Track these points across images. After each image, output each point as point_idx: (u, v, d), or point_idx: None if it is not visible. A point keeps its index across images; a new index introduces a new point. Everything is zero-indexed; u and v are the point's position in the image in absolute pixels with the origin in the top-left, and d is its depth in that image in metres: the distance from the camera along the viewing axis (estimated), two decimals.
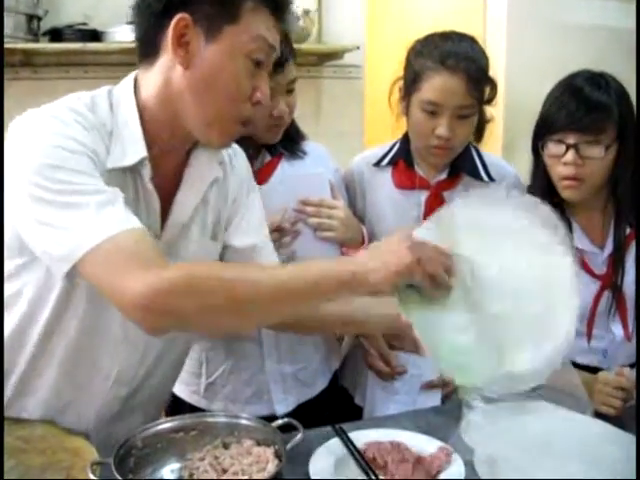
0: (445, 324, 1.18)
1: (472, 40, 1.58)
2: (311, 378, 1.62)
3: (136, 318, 0.99)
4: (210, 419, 1.20)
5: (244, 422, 1.18)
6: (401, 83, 1.62)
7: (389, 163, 1.68)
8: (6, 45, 2.55)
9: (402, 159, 1.67)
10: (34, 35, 2.66)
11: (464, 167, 1.64)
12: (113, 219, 1.00)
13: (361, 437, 1.24)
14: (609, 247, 1.53)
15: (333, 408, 1.65)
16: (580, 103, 1.46)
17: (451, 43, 1.54)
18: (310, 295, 1.08)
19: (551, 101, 1.52)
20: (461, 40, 1.55)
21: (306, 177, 1.56)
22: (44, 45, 2.63)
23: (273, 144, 1.56)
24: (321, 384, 1.65)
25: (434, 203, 1.62)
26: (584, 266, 1.53)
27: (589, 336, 1.54)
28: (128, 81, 1.17)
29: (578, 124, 1.44)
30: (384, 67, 3.89)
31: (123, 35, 2.61)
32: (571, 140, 1.45)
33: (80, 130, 1.06)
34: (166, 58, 1.11)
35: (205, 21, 1.08)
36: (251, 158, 1.52)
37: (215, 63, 1.09)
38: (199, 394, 1.59)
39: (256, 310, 1.05)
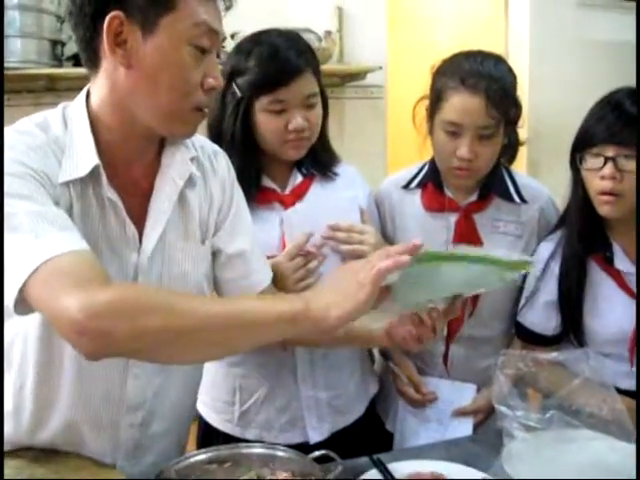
0: None
1: (498, 59, 1.55)
2: (346, 405, 1.59)
3: (73, 342, 0.94)
4: (245, 450, 1.17)
5: (280, 454, 1.15)
6: (426, 103, 1.60)
7: (418, 185, 1.65)
8: (30, 71, 2.57)
9: (431, 181, 1.63)
10: (58, 60, 2.68)
11: (495, 189, 1.61)
12: (52, 242, 0.95)
13: (400, 468, 1.20)
14: None
15: (368, 436, 1.61)
16: (619, 117, 1.43)
17: (473, 62, 1.50)
18: (247, 330, 1.01)
19: (591, 115, 1.49)
20: (485, 59, 1.52)
21: (337, 200, 1.52)
22: (67, 70, 2.64)
23: (303, 164, 1.53)
24: (357, 411, 1.61)
25: (464, 225, 1.59)
26: (624, 288, 1.49)
27: (632, 360, 1.49)
28: (81, 94, 1.15)
29: (617, 137, 1.41)
30: (406, 87, 3.89)
31: None
32: (610, 153, 1.42)
33: (24, 151, 1.04)
34: (107, 61, 1.07)
35: (139, 15, 1.03)
36: (281, 178, 1.52)
37: (157, 57, 1.05)
38: (233, 422, 1.55)
39: (194, 340, 0.98)
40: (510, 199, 1.61)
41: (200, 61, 1.09)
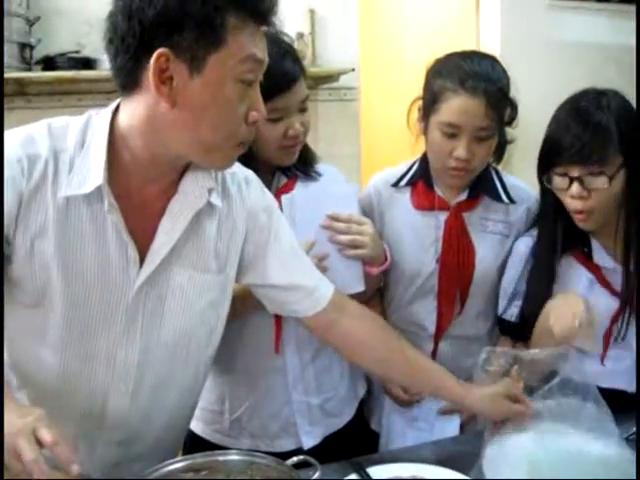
0: None
1: (493, 60, 1.54)
2: (338, 408, 1.57)
3: None
4: (221, 457, 1.14)
5: (257, 460, 1.12)
6: (419, 103, 1.58)
7: (407, 184, 1.65)
8: None
9: (421, 180, 1.63)
10: (27, 64, 2.64)
11: (484, 188, 1.61)
12: None
13: (380, 472, 1.19)
14: (633, 263, 1.48)
15: (358, 438, 1.61)
16: (585, 129, 1.40)
17: (470, 63, 1.50)
18: None
19: (556, 124, 1.47)
20: (481, 60, 1.52)
21: (334, 192, 1.50)
22: (37, 74, 2.61)
23: (287, 166, 1.51)
24: (348, 414, 1.60)
25: (454, 224, 1.59)
26: (603, 283, 1.49)
27: (603, 357, 1.49)
28: (110, 108, 1.11)
29: (581, 155, 1.39)
30: (379, 88, 3.93)
31: None
32: (575, 173, 1.41)
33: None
34: (149, 94, 1.02)
35: (187, 53, 0.99)
36: (265, 181, 1.48)
37: (204, 97, 1.01)
38: (223, 432, 1.52)
39: None
40: (499, 199, 1.61)
41: (245, 95, 1.05)
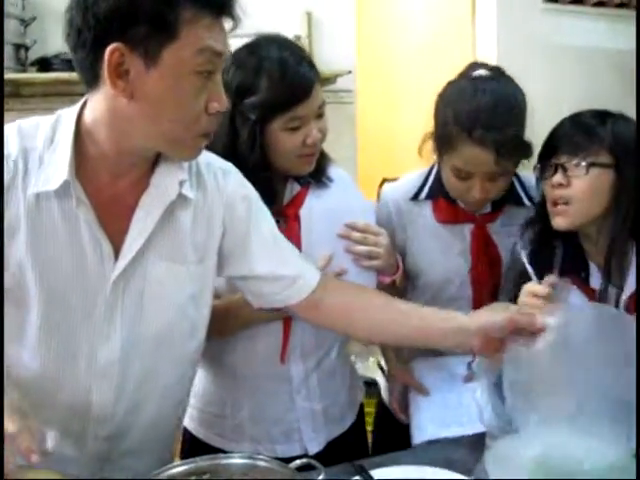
0: None
1: (502, 89, 1.46)
2: (340, 413, 1.56)
3: None
4: (224, 461, 1.13)
5: (260, 463, 1.11)
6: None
7: (427, 197, 1.62)
8: None
9: (441, 195, 1.60)
10: (22, 65, 2.63)
11: (507, 199, 1.59)
12: None
13: (383, 475, 1.19)
14: (630, 286, 1.46)
15: (361, 442, 1.61)
16: (574, 126, 1.44)
17: (480, 105, 1.42)
18: None
19: (552, 131, 1.48)
20: (489, 94, 1.43)
21: (352, 206, 1.50)
22: (32, 75, 2.59)
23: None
24: (349, 419, 1.59)
25: (480, 235, 1.58)
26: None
27: None
28: (77, 104, 1.11)
29: (570, 145, 1.41)
30: (376, 91, 3.92)
31: None
32: (561, 160, 1.42)
33: None
34: (108, 88, 1.02)
35: (141, 46, 0.99)
36: (278, 190, 1.45)
37: (160, 89, 1.01)
38: (225, 437, 1.49)
39: None
40: (521, 204, 1.60)
41: (204, 86, 1.05)
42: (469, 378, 1.56)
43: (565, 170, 1.41)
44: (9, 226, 1.06)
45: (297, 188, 1.46)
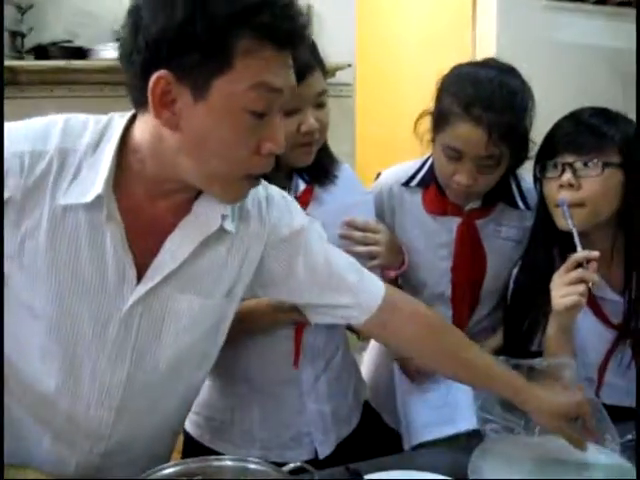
0: None
1: (508, 79, 1.43)
2: (347, 414, 1.54)
3: None
4: (215, 463, 1.11)
5: (252, 466, 1.09)
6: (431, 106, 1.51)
7: (419, 184, 1.60)
8: None
9: (433, 184, 1.58)
10: (18, 52, 2.60)
11: (500, 196, 1.56)
12: None
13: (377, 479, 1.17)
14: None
15: (371, 439, 1.58)
16: (577, 126, 1.41)
17: (481, 85, 1.40)
18: None
19: (551, 129, 1.46)
20: (493, 79, 1.41)
21: (352, 204, 1.47)
22: (29, 62, 2.56)
23: (305, 170, 1.42)
24: (356, 418, 1.57)
25: (466, 231, 1.56)
26: (599, 314, 1.45)
27: (597, 390, 1.46)
28: (127, 114, 1.04)
29: (575, 144, 1.38)
30: (373, 85, 3.90)
31: (108, 53, 2.55)
32: (568, 159, 1.38)
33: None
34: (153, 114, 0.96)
35: (191, 75, 0.91)
36: (283, 187, 1.38)
37: (207, 124, 0.94)
38: (233, 443, 1.46)
39: None
40: (514, 205, 1.57)
41: (257, 125, 0.96)
42: None
43: (574, 170, 1.38)
44: (29, 227, 1.00)
45: (302, 186, 1.44)
